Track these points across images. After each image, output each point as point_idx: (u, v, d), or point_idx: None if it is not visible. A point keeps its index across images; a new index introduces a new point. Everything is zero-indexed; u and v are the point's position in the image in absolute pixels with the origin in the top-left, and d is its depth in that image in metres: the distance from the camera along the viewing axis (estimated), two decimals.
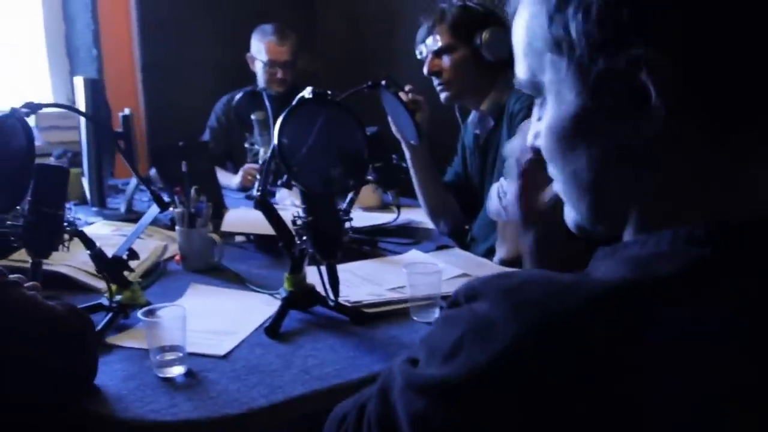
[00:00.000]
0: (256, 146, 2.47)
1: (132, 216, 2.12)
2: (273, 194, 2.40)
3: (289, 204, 2.34)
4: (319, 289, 1.35)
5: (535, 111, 0.67)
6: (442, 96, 1.90)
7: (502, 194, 1.68)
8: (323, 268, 1.24)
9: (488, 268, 1.67)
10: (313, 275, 1.35)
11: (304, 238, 1.22)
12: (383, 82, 1.63)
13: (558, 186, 0.66)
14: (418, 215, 2.12)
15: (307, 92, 1.17)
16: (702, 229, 0.53)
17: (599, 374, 0.48)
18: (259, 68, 2.86)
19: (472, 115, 1.94)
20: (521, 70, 0.64)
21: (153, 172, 2.26)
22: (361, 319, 1.32)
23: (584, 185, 0.61)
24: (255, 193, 2.38)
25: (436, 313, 1.34)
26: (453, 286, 1.44)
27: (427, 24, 1.87)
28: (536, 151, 0.67)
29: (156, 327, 1.08)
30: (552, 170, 0.65)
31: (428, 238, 2.00)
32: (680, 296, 0.50)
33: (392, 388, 0.59)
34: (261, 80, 2.86)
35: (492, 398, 0.51)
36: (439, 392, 0.53)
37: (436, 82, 1.89)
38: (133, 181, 2.21)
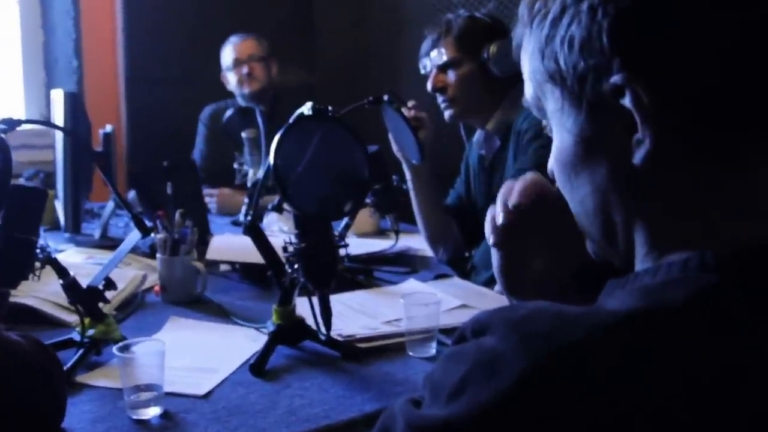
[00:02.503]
0: (246, 167, 2.49)
1: (107, 243, 2.11)
2: (260, 219, 2.42)
3: (277, 230, 2.34)
4: (310, 322, 1.35)
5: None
6: (447, 114, 1.90)
7: None
8: (315, 300, 1.23)
9: (489, 298, 1.66)
10: (303, 307, 1.35)
11: (296, 266, 1.21)
12: (385, 98, 1.64)
13: (574, 214, 0.69)
14: (416, 242, 2.12)
15: (306, 108, 1.17)
16: (712, 255, 0.55)
17: (608, 407, 0.50)
18: (230, 78, 2.90)
19: (478, 134, 1.94)
20: (528, 93, 0.68)
21: (132, 194, 2.26)
22: (354, 354, 1.31)
23: (591, 213, 0.65)
24: (243, 217, 2.43)
25: (434, 347, 1.34)
26: (452, 319, 1.46)
27: (431, 37, 1.87)
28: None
29: (131, 364, 1.07)
30: (567, 199, 0.69)
31: (426, 267, 2.00)
32: (691, 324, 0.52)
33: (393, 431, 0.59)
34: (235, 90, 2.89)
35: None
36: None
37: (440, 98, 1.89)
38: (110, 204, 2.22)
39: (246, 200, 2.43)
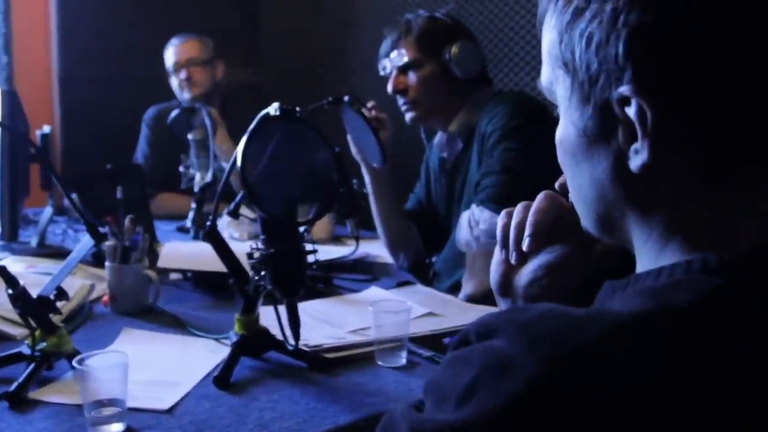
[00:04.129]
0: (192, 170, 2.45)
1: (46, 251, 2.06)
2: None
3: (228, 236, 2.32)
4: (274, 331, 1.34)
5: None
6: (408, 116, 1.91)
7: (473, 223, 1.71)
8: (281, 308, 1.23)
9: (454, 305, 1.68)
10: (265, 316, 1.34)
11: (263, 273, 1.21)
12: (346, 98, 1.64)
13: (570, 193, 0.72)
14: (374, 248, 2.13)
15: (272, 109, 1.17)
16: (715, 258, 0.57)
17: (618, 408, 0.51)
18: (171, 81, 2.86)
19: (439, 137, 1.96)
20: (543, 76, 0.69)
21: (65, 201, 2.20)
22: (322, 365, 1.31)
23: (588, 202, 0.68)
24: (189, 224, 2.40)
25: (404, 357, 1.35)
26: (419, 327, 1.47)
27: (391, 37, 1.87)
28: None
29: (92, 378, 1.05)
30: (566, 177, 0.71)
31: (386, 274, 2.01)
32: (698, 326, 0.54)
33: None
34: (177, 94, 2.85)
35: None
36: None
37: (401, 101, 1.89)
38: (48, 210, 2.16)
39: (193, 205, 2.40)
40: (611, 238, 0.69)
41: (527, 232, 0.79)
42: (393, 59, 1.86)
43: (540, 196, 0.80)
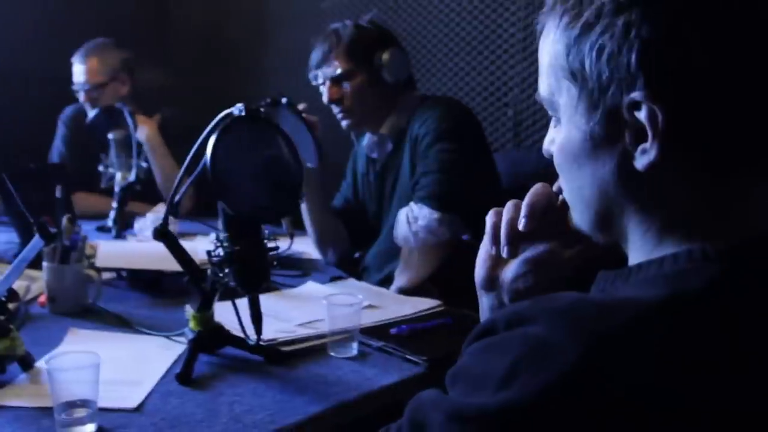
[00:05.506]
0: (111, 170, 2.36)
1: None
2: (130, 225, 2.30)
3: (151, 235, 2.25)
4: (229, 327, 1.32)
5: (553, 119, 0.75)
6: (344, 124, 1.92)
7: (412, 219, 1.74)
8: (240, 303, 1.21)
9: (389, 297, 1.71)
10: (220, 312, 1.32)
11: (226, 270, 1.18)
12: (284, 100, 1.63)
13: (566, 195, 0.75)
14: (301, 245, 2.12)
15: (237, 110, 1.15)
16: (711, 248, 0.62)
17: (656, 383, 0.55)
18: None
19: (368, 138, 1.98)
20: (543, 88, 0.72)
21: None
22: (279, 358, 1.30)
23: (587, 201, 0.71)
24: (110, 223, 2.30)
25: (355, 347, 1.36)
26: (362, 319, 1.48)
27: (321, 49, 1.87)
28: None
29: (63, 379, 1.00)
30: (561, 180, 0.75)
31: (315, 269, 2.01)
32: (713, 307, 0.59)
33: (428, 424, 0.61)
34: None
35: (561, 419, 0.55)
36: (501, 419, 0.56)
37: (336, 109, 1.89)
38: None
39: (115, 205, 2.31)
40: (605, 234, 0.72)
41: (523, 212, 0.81)
42: (325, 71, 1.86)
43: (537, 185, 0.83)
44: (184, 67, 3.34)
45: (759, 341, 0.58)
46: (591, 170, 0.68)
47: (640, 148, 0.63)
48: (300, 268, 1.98)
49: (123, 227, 2.31)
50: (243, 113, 1.16)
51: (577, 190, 0.71)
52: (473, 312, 1.54)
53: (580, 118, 0.67)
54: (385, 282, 1.88)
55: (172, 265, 1.64)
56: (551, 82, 0.69)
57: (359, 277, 1.96)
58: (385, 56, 1.83)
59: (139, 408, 1.10)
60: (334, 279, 1.87)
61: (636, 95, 0.61)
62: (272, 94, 1.86)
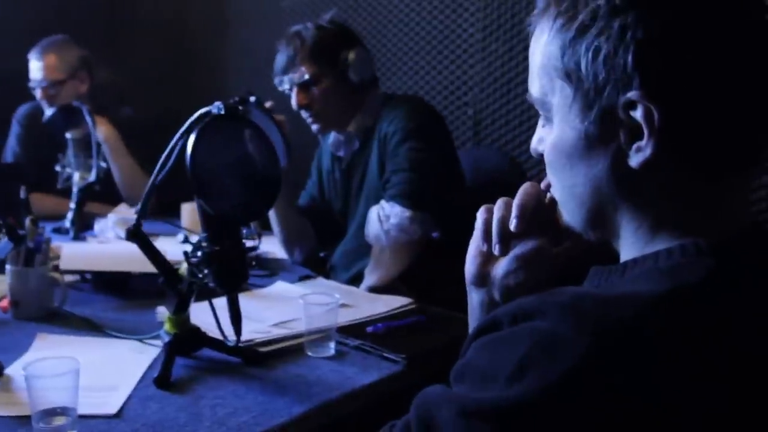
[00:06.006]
0: (69, 170, 2.28)
1: None
2: (90, 227, 2.24)
3: (113, 237, 2.19)
4: (205, 328, 1.29)
5: (541, 117, 0.76)
6: (314, 128, 1.89)
7: (383, 218, 1.73)
8: (218, 304, 1.18)
9: (360, 296, 1.70)
10: (195, 314, 1.29)
11: (205, 271, 1.15)
12: (252, 99, 1.59)
13: (556, 193, 0.75)
14: (267, 245, 2.09)
15: (215, 108, 1.12)
16: (703, 242, 0.64)
17: (663, 371, 0.57)
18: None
19: (333, 136, 1.95)
20: (534, 88, 0.72)
21: None
22: (257, 359, 1.28)
23: (580, 199, 0.71)
24: (68, 224, 2.23)
25: (332, 347, 1.34)
26: (338, 318, 1.46)
27: (286, 53, 1.83)
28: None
29: (43, 386, 0.96)
30: (552, 179, 0.75)
31: (283, 269, 1.98)
32: (711, 298, 0.61)
33: (438, 421, 0.60)
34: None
35: (574, 410, 0.55)
36: (517, 412, 0.56)
37: (305, 114, 1.86)
38: None
39: (72, 206, 2.24)
40: (597, 232, 0.73)
41: (514, 213, 0.81)
42: (292, 77, 1.82)
43: (526, 184, 0.83)
44: (141, 66, 3.26)
45: (754, 329, 0.61)
46: (585, 168, 0.69)
47: (635, 146, 0.64)
48: (267, 268, 1.95)
49: (81, 228, 2.24)
50: (222, 111, 1.13)
51: (569, 188, 0.72)
52: (445, 310, 1.57)
53: (574, 118, 0.67)
54: (354, 281, 1.86)
55: (139, 266, 1.61)
56: (544, 82, 0.70)
57: (327, 276, 1.94)
58: (351, 56, 1.81)
59: (119, 414, 1.06)
60: (303, 278, 1.85)
61: (632, 95, 0.63)
62: (235, 92, 1.83)
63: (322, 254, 2.14)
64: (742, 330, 0.61)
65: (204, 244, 1.16)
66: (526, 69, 0.75)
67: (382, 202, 1.74)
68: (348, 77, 1.82)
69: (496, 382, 0.59)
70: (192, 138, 1.08)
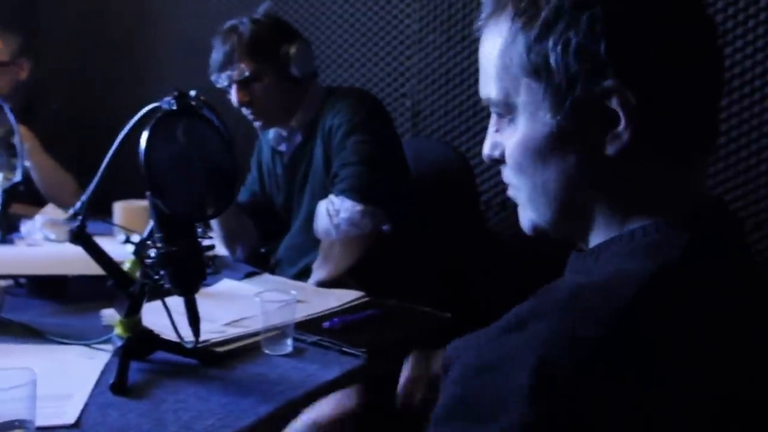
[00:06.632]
0: None
1: None
2: (16, 229, 2.12)
3: (41, 239, 2.09)
4: (158, 330, 1.25)
5: (492, 123, 0.76)
6: (257, 125, 1.85)
7: (333, 212, 1.71)
8: (172, 305, 1.14)
9: (310, 291, 1.68)
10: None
11: (162, 272, 1.11)
12: (192, 93, 1.54)
13: (521, 194, 0.75)
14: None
15: (166, 103, 1.08)
16: (674, 218, 0.67)
17: (664, 342, 0.59)
18: None
19: (273, 132, 1.92)
20: (493, 91, 0.72)
21: None
22: (214, 360, 1.24)
23: (553, 194, 0.72)
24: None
25: (289, 344, 1.32)
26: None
27: (223, 50, 1.76)
28: None
29: None
30: (516, 180, 0.74)
31: (226, 266, 1.93)
32: (693, 271, 0.64)
33: None
34: None
35: (593, 402, 0.56)
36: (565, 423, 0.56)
37: (247, 112, 1.81)
38: None
39: None
40: (567, 225, 0.74)
41: None
42: (231, 74, 1.76)
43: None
44: (62, 59, 3.12)
45: (733, 294, 0.65)
46: (557, 163, 0.69)
47: (610, 134, 0.66)
48: (210, 266, 1.90)
49: (7, 231, 2.13)
50: (174, 107, 1.09)
51: (541, 185, 0.71)
52: (397, 302, 1.56)
53: (544, 114, 0.68)
54: (300, 276, 1.84)
55: (76, 268, 1.54)
56: (506, 84, 0.70)
57: (271, 272, 1.91)
58: (292, 50, 1.77)
59: (77, 423, 1.01)
60: (248, 275, 1.81)
61: (608, 83, 0.64)
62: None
63: (263, 250, 2.11)
64: (724, 296, 0.64)
65: (158, 244, 1.11)
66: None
67: (331, 197, 1.72)
68: (289, 72, 1.78)
69: (511, 404, 0.55)
70: (145, 135, 1.04)
